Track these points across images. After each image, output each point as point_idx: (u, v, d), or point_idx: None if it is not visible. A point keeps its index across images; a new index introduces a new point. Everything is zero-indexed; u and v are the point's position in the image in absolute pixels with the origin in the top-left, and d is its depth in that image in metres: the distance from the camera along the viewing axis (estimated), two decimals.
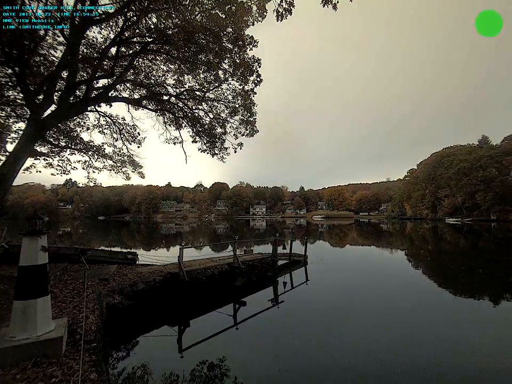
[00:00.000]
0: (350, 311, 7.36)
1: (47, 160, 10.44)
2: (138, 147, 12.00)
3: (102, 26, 8.61)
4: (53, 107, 8.15)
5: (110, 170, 11.96)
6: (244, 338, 5.52)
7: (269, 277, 10.65)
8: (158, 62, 10.09)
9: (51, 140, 9.95)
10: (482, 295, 8.78)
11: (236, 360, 4.67)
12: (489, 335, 5.98)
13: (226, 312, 6.94)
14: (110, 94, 9.67)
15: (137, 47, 9.28)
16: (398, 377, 4.33)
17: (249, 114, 11.21)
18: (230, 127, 11.61)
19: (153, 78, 10.52)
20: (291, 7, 6.41)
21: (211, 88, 10.77)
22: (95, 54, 9.04)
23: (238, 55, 9.15)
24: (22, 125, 9.22)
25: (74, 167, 11.35)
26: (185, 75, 10.39)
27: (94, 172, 11.78)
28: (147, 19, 8.45)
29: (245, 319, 6.52)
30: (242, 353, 4.91)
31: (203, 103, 11.27)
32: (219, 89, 10.86)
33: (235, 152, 11.97)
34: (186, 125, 11.58)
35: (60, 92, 8.54)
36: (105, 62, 9.21)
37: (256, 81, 10.10)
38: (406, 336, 5.79)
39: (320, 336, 5.67)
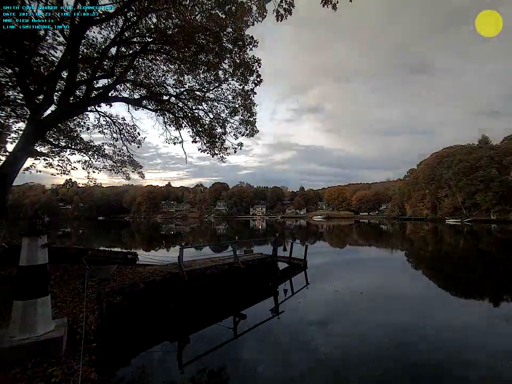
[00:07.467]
0: (351, 316, 7.24)
1: (47, 160, 10.42)
2: (138, 147, 12.00)
3: (102, 26, 8.59)
4: (53, 107, 8.14)
5: (110, 170, 11.97)
6: (244, 351, 5.38)
7: (270, 286, 10.42)
8: (158, 62, 10.07)
9: (51, 140, 9.94)
10: None
11: (236, 373, 4.60)
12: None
13: (226, 325, 6.77)
14: (110, 94, 9.67)
15: (137, 47, 9.27)
16: None
17: (249, 114, 11.20)
18: (230, 127, 11.61)
19: (153, 78, 10.51)
20: (291, 7, 6.40)
21: (211, 88, 10.76)
22: (95, 54, 9.03)
23: (238, 55, 9.16)
24: (22, 125, 9.21)
25: (74, 167, 11.35)
26: (185, 75, 10.38)
27: (94, 172, 11.80)
28: (147, 19, 8.45)
29: (245, 331, 6.36)
30: (242, 367, 4.80)
31: (203, 103, 11.26)
32: (219, 89, 10.85)
33: (235, 152, 11.98)
34: (186, 125, 11.57)
35: (60, 92, 8.54)
36: (105, 62, 9.20)
37: (256, 81, 10.10)
38: (411, 343, 5.67)
39: (320, 346, 5.56)
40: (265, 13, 7.76)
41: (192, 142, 11.88)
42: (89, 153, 11.12)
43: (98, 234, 38.57)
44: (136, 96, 10.90)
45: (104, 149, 11.53)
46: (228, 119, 11.47)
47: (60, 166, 10.87)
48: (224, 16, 8.03)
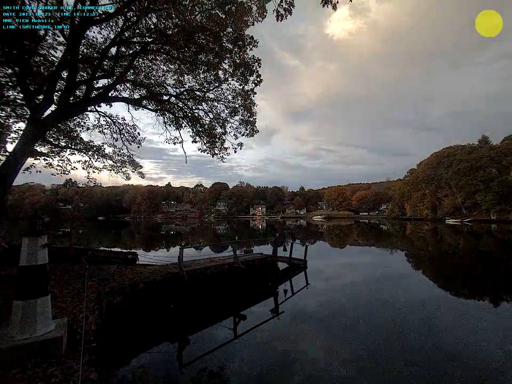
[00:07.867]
0: (351, 317, 7.20)
1: (47, 160, 10.42)
2: (138, 147, 12.01)
3: (102, 26, 8.60)
4: (53, 107, 8.14)
5: (110, 170, 11.97)
6: (244, 352, 5.36)
7: (270, 286, 10.36)
8: (158, 62, 10.08)
9: (51, 140, 9.95)
10: None
11: (236, 374, 4.59)
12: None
13: (226, 326, 6.74)
14: (110, 94, 9.67)
15: (137, 47, 9.28)
16: None
17: (249, 114, 11.20)
18: (230, 127, 11.62)
19: (153, 78, 10.51)
20: (291, 7, 6.40)
21: (211, 88, 10.76)
22: (95, 54, 9.03)
23: (238, 55, 9.15)
24: (22, 125, 9.23)
25: (74, 167, 11.35)
26: (185, 75, 10.38)
27: (94, 171, 11.79)
28: (147, 19, 8.45)
29: (245, 331, 6.33)
30: (242, 367, 4.79)
31: (203, 103, 11.26)
32: (219, 89, 10.86)
33: (235, 152, 11.98)
34: (186, 125, 11.58)
35: (60, 92, 8.54)
36: (105, 62, 9.20)
37: (256, 81, 10.09)
38: (414, 343, 5.65)
39: (319, 348, 5.54)
40: (265, 13, 7.77)
41: (192, 142, 11.90)
42: (89, 153, 11.13)
43: (98, 234, 38.54)
44: (136, 96, 10.91)
45: (104, 149, 11.56)
46: (228, 119, 11.48)
47: (59, 166, 10.88)
48: (224, 16, 8.02)
